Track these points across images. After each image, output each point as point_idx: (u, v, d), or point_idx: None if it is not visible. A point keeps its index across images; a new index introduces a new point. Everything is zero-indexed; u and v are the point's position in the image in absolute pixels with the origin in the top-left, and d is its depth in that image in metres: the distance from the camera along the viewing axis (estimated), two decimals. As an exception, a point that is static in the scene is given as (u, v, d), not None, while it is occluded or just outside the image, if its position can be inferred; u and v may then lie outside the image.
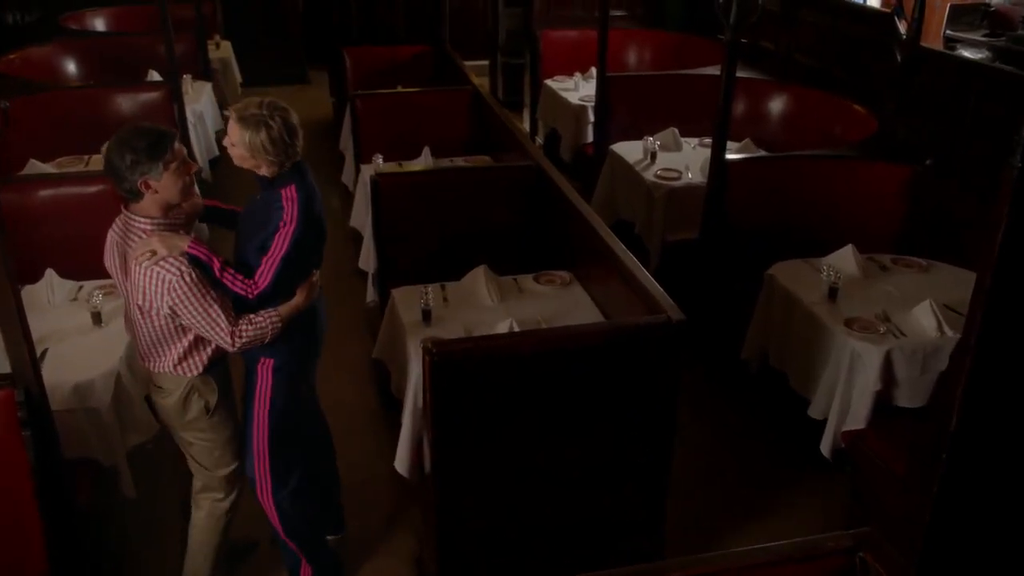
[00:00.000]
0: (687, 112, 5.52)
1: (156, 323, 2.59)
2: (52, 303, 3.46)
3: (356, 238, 5.06)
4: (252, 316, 2.63)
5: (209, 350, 2.69)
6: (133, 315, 2.63)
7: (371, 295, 4.39)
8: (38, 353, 2.93)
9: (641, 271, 3.14)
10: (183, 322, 2.57)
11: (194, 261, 2.53)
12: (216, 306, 2.55)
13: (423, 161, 4.99)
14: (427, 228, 4.00)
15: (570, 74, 6.87)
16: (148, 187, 2.50)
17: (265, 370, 2.76)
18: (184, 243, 2.53)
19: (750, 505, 3.58)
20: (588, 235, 3.54)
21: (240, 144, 2.58)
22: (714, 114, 4.07)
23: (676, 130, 5.31)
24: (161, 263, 2.49)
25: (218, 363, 2.77)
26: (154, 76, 6.28)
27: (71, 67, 6.75)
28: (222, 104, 6.87)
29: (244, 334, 2.60)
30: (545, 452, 2.88)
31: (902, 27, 5.26)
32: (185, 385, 2.71)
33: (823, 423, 3.42)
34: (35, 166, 4.78)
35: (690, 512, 3.45)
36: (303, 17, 9.49)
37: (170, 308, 2.53)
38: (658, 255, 4.77)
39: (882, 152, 4.53)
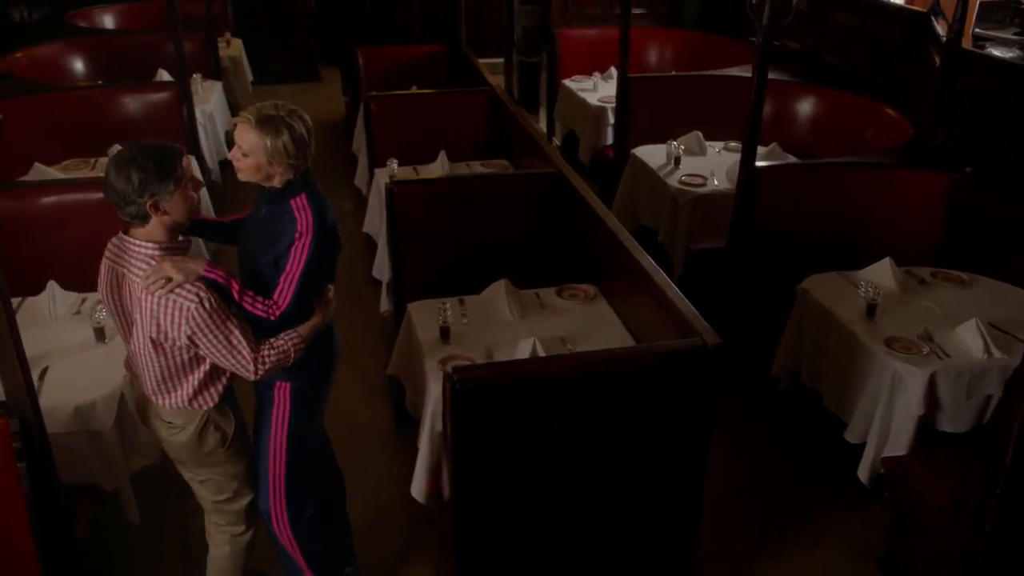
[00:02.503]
0: (711, 115, 5.38)
1: (171, 356, 2.38)
2: (54, 316, 3.32)
3: (370, 244, 4.91)
4: (272, 340, 2.44)
5: (225, 379, 2.50)
6: (143, 350, 2.38)
7: (385, 305, 4.25)
8: (39, 371, 2.84)
9: (671, 288, 2.98)
10: (201, 352, 2.37)
11: (212, 285, 2.33)
12: (237, 332, 2.35)
13: (439, 166, 4.83)
14: (444, 237, 3.85)
15: (588, 74, 6.69)
16: (157, 209, 2.29)
17: (283, 395, 2.60)
18: (199, 267, 2.33)
19: (782, 533, 3.42)
20: (613, 247, 3.38)
21: (257, 151, 2.39)
22: (740, 117, 3.90)
23: (700, 134, 5.14)
24: (177, 290, 2.28)
25: (231, 391, 2.59)
26: (163, 76, 6.15)
27: (78, 66, 6.62)
28: (233, 104, 6.73)
29: (267, 360, 2.41)
30: (570, 481, 2.74)
31: (940, 28, 5.05)
32: (200, 418, 2.51)
33: (858, 445, 3.27)
34: (39, 170, 4.64)
35: (718, 541, 3.29)
36: (314, 15, 9.37)
37: (188, 338, 2.32)
38: (682, 264, 4.61)
39: (918, 159, 4.35)
